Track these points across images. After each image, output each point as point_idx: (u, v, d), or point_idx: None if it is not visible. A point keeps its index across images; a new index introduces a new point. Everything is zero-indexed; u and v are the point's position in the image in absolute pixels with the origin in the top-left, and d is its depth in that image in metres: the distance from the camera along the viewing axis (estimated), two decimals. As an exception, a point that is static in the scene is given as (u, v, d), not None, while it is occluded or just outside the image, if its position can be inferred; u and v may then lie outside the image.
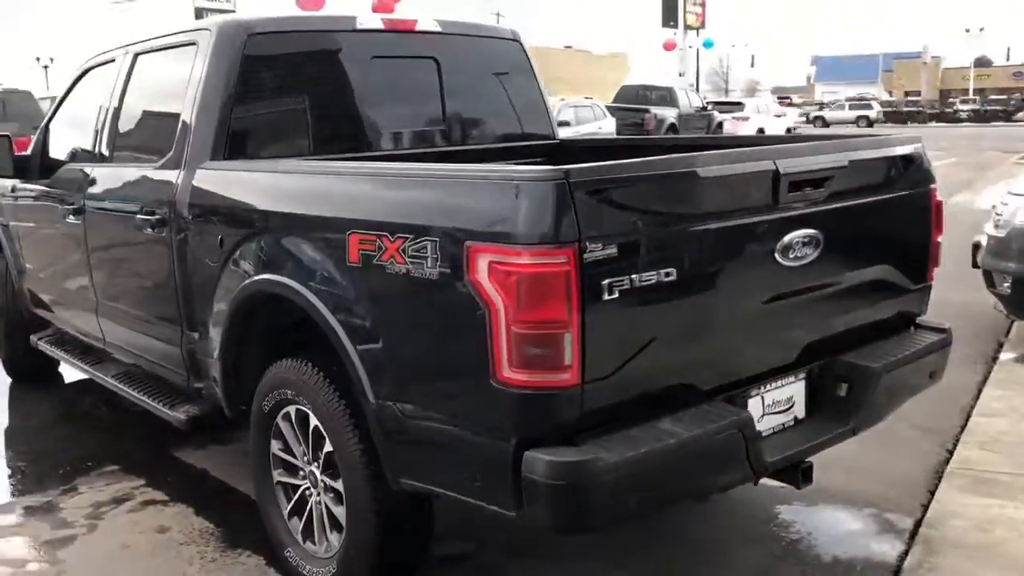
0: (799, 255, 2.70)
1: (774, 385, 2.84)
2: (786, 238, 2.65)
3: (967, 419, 4.65)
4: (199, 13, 47.21)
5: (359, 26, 3.88)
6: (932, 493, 3.81)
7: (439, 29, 4.14)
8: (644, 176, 2.38)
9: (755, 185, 2.59)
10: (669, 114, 24.07)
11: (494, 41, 4.43)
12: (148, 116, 4.05)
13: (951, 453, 4.24)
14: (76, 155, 4.59)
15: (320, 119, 3.78)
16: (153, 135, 3.92)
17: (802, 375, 2.92)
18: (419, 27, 4.09)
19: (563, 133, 17.98)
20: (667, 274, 2.36)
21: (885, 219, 3.08)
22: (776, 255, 2.64)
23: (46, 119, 5.05)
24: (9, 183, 5.09)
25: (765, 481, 3.91)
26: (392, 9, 20.29)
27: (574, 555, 3.36)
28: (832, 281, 2.90)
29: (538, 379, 2.23)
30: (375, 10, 20.94)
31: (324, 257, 2.77)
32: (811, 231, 2.72)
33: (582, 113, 19.90)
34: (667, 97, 25.67)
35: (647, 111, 23.55)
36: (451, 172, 2.57)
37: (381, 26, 3.96)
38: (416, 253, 2.44)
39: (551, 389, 2.24)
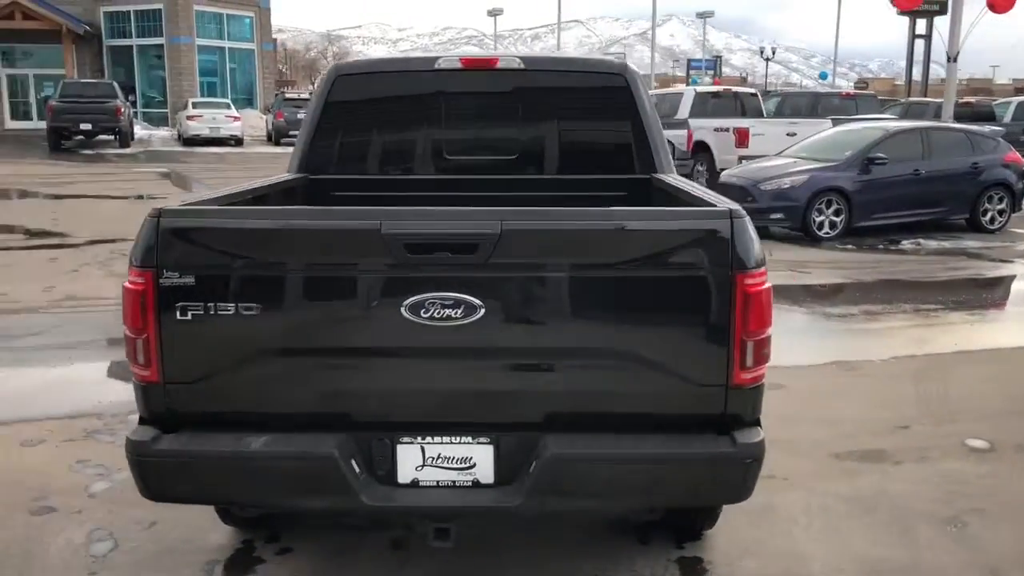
0: (438, 316, 2.72)
1: (441, 440, 2.87)
2: (416, 297, 2.71)
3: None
4: None
5: (438, 66, 4.48)
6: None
7: (521, 66, 4.47)
8: (226, 225, 2.79)
9: (361, 243, 2.72)
10: None
11: (593, 75, 4.54)
12: None
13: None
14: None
15: (386, 147, 4.54)
16: None
17: (485, 439, 2.87)
18: (500, 65, 4.49)
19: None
20: (247, 308, 2.75)
21: (621, 297, 2.76)
22: (404, 312, 2.72)
23: None
24: None
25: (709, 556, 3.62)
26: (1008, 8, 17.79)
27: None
28: (507, 351, 2.78)
29: (136, 372, 2.87)
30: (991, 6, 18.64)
31: None
32: (454, 294, 2.71)
33: None
34: None
35: None
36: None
37: (460, 66, 4.48)
38: None
39: (142, 382, 2.86)
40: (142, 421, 2.93)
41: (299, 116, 31.88)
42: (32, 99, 34.75)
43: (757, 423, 2.88)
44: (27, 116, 34.52)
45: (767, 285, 2.81)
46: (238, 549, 3.78)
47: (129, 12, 35.15)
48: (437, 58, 4.51)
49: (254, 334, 2.79)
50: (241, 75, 38.67)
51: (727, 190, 12.98)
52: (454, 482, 2.90)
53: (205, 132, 29.94)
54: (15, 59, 35.07)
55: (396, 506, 2.85)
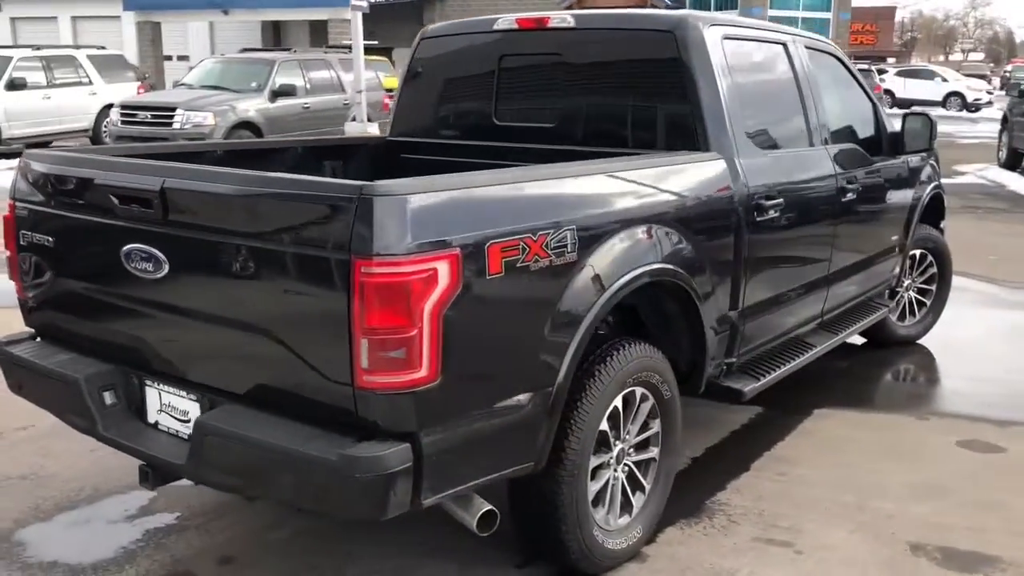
0: (139, 268, 2.83)
1: (169, 389, 2.97)
2: (127, 247, 2.85)
3: None
4: None
5: (496, 27, 4.27)
6: None
7: (571, 24, 4.03)
8: (36, 168, 3.21)
9: (88, 191, 2.92)
10: None
11: (641, 35, 3.87)
12: None
13: None
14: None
15: (454, 109, 4.50)
16: None
17: (193, 397, 2.88)
18: (551, 24, 4.10)
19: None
20: (49, 241, 3.16)
21: (261, 270, 2.56)
22: (122, 259, 2.88)
23: None
24: None
25: None
26: None
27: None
28: (191, 312, 2.76)
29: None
30: None
31: None
32: (146, 247, 2.79)
33: None
34: None
35: None
36: None
37: (515, 26, 4.20)
38: None
39: (16, 293, 3.43)
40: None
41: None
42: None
43: (407, 438, 2.43)
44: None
45: (412, 278, 2.35)
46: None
47: (711, -10, 36.59)
48: (498, 18, 4.30)
49: (52, 263, 3.20)
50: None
51: None
52: (178, 432, 2.98)
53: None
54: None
55: (119, 441, 3.02)
